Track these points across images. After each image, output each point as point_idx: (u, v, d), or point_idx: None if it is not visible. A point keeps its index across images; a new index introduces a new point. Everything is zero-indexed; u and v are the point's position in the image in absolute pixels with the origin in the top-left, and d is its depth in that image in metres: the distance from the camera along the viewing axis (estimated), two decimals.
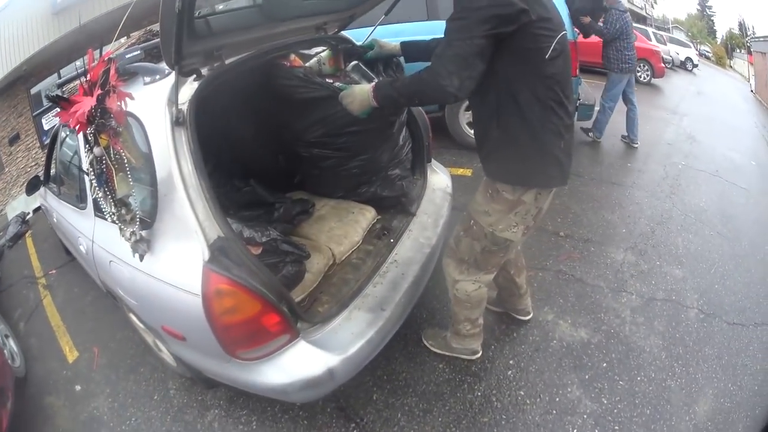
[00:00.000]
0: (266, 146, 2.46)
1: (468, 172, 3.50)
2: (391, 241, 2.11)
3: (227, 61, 1.61)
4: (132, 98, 1.32)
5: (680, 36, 17.71)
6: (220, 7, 1.57)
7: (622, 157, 4.56)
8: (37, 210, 5.41)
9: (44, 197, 3.50)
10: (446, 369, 2.13)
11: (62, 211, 2.77)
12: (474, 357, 2.14)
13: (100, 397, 2.46)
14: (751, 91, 13.45)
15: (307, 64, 2.11)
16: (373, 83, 1.57)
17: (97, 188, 1.43)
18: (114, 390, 2.47)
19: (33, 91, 8.39)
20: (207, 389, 2.21)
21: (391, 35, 4.02)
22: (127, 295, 1.84)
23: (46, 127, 8.28)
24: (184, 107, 1.42)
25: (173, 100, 1.40)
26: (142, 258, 1.52)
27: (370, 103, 1.55)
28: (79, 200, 2.31)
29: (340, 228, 2.15)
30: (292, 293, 1.76)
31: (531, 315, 2.35)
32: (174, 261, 1.47)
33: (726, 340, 2.22)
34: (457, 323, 2.02)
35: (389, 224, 2.24)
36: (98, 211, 1.96)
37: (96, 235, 2.04)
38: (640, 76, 9.71)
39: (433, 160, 2.57)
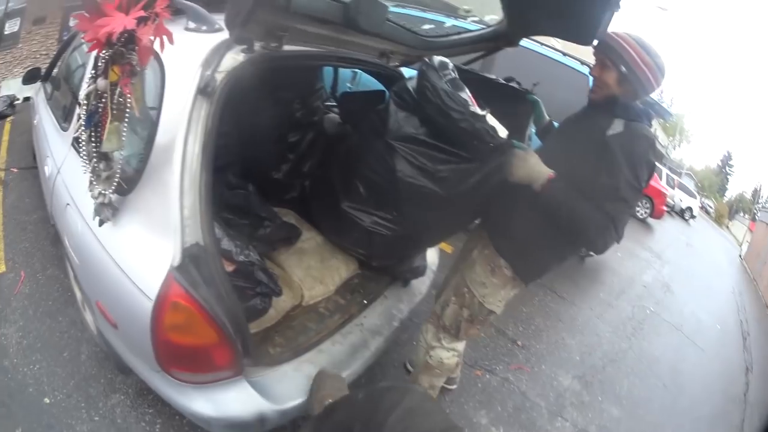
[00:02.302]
0: (278, 153, 2.25)
1: (449, 249, 3.36)
2: (365, 302, 1.93)
3: (284, 47, 1.37)
4: (171, 41, 1.05)
5: (689, 184, 18.07)
6: None
7: (597, 284, 4.62)
8: (27, 99, 5.04)
9: (36, 93, 3.19)
10: None
11: (44, 119, 2.48)
12: None
13: (12, 326, 2.20)
14: (740, 256, 13.64)
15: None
16: (551, 171, 1.37)
17: (83, 126, 1.17)
18: (26, 326, 2.20)
19: None
20: (118, 371, 1.95)
21: None
22: (71, 249, 1.58)
23: (71, 24, 7.56)
24: (219, 77, 1.18)
25: (211, 63, 1.16)
26: (101, 224, 1.27)
27: (534, 182, 1.38)
28: (64, 118, 2.03)
29: (319, 270, 1.94)
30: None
31: (456, 386, 2.34)
32: (136, 247, 1.23)
33: None
34: None
35: (367, 283, 2.05)
36: (78, 143, 1.68)
37: (64, 166, 1.77)
38: (638, 212, 9.82)
39: None
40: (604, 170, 1.31)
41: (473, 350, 2.73)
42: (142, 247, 1.21)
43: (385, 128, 1.63)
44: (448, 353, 1.81)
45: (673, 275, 5.90)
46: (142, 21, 1.01)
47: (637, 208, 9.72)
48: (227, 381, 1.31)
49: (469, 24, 4.07)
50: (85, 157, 1.21)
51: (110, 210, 1.24)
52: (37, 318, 2.23)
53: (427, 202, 1.60)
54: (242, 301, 1.43)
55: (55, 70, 2.98)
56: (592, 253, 4.90)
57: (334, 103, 2.80)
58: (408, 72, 2.07)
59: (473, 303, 1.67)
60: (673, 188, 13.44)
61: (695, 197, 15.84)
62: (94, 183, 1.22)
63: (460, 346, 1.85)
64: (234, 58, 1.23)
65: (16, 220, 3.03)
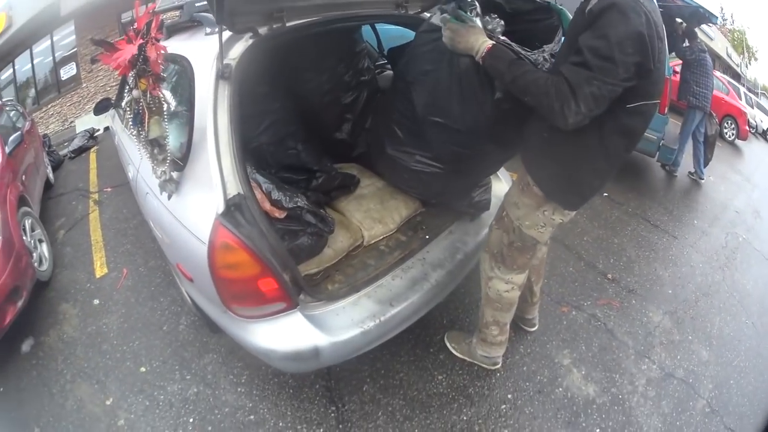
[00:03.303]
0: (335, 115, 2.49)
1: (515, 176, 3.37)
2: (426, 237, 2.04)
3: (289, 24, 1.63)
4: (165, 51, 1.43)
5: (766, 104, 16.33)
6: None
7: (691, 211, 4.48)
8: (107, 129, 5.81)
9: (113, 119, 3.78)
10: (444, 382, 2.11)
11: (121, 137, 2.94)
12: (494, 368, 2.12)
13: (113, 315, 2.64)
14: None
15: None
16: (492, 42, 1.41)
17: (131, 127, 1.56)
18: (129, 312, 2.64)
19: (124, 15, 8.55)
20: (212, 333, 2.32)
21: None
22: (154, 227, 1.95)
23: None
24: (233, 62, 1.48)
25: (221, 54, 1.46)
26: (170, 197, 1.62)
27: (474, 54, 1.42)
28: None
29: (378, 211, 2.12)
30: (307, 265, 1.80)
31: (537, 327, 2.36)
32: (194, 206, 1.54)
33: None
34: (484, 327, 1.97)
35: (431, 220, 2.17)
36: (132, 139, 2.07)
37: (141, 165, 2.15)
38: (726, 134, 9.46)
39: None
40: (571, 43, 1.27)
41: (560, 285, 2.78)
42: (198, 207, 1.50)
43: (406, 68, 1.77)
44: (506, 285, 1.79)
45: (762, 200, 5.46)
46: (144, 45, 1.38)
47: (725, 129, 9.35)
48: (282, 314, 1.55)
49: None
50: (141, 149, 1.60)
51: (173, 184, 1.59)
52: (139, 303, 2.68)
53: (452, 136, 1.69)
54: (293, 240, 1.71)
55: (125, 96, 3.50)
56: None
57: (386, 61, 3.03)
58: None
59: (512, 227, 1.65)
60: (752, 108, 12.51)
61: None
62: (155, 166, 1.58)
63: (518, 278, 1.80)
64: (243, 45, 1.54)
65: (116, 229, 3.59)
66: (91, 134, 6.01)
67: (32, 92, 8.48)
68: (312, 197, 1.99)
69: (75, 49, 8.41)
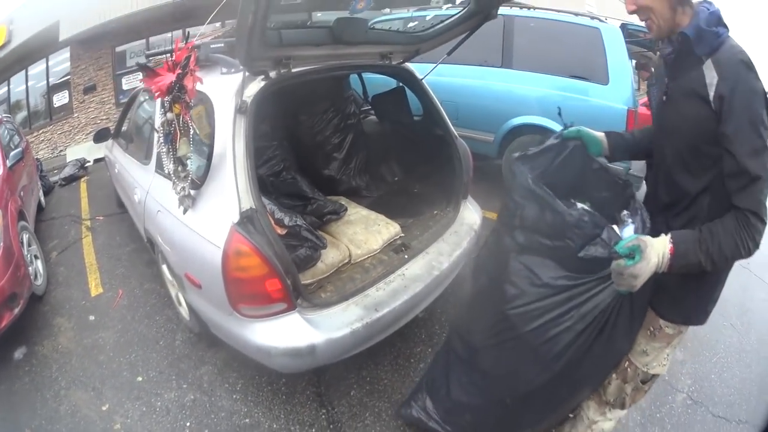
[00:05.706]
0: (324, 154, 2.99)
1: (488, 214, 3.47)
2: (406, 257, 2.36)
3: (294, 70, 2.01)
4: (202, 82, 1.77)
5: None
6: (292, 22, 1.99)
7: None
8: (98, 160, 6.13)
9: (110, 149, 4.05)
10: None
11: (126, 164, 3.27)
12: None
13: (110, 330, 2.87)
14: None
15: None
16: (671, 241, 1.17)
17: (162, 144, 1.89)
18: (125, 328, 2.87)
19: (118, 49, 9.12)
20: (209, 347, 2.57)
21: (458, 75, 4.33)
22: (164, 242, 2.25)
23: (125, 87, 9.13)
24: (248, 99, 1.85)
25: (240, 92, 1.83)
26: (185, 211, 1.94)
27: (659, 268, 1.17)
28: (145, 156, 2.78)
29: (363, 234, 2.50)
30: (304, 276, 2.11)
31: None
32: (210, 217, 1.85)
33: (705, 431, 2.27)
34: None
35: (409, 242, 2.49)
36: (159, 167, 2.41)
37: (152, 187, 2.48)
38: None
39: (469, 197, 2.81)
40: (724, 150, 1.10)
41: None
42: (214, 218, 1.82)
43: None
44: (611, 422, 1.77)
45: None
46: (183, 75, 1.70)
47: None
48: (283, 315, 1.84)
49: (447, 11, 4.57)
50: (167, 166, 1.93)
51: (190, 200, 1.92)
52: (136, 320, 2.93)
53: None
54: (293, 252, 2.03)
55: (125, 127, 3.82)
56: None
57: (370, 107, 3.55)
58: (414, 66, 2.67)
59: (636, 375, 1.57)
60: None
61: None
62: (176, 183, 1.92)
63: (624, 412, 1.78)
64: (257, 85, 1.92)
65: (110, 254, 3.85)
66: (82, 164, 6.33)
67: (23, 115, 8.74)
68: (307, 220, 2.37)
69: (69, 77, 8.75)
